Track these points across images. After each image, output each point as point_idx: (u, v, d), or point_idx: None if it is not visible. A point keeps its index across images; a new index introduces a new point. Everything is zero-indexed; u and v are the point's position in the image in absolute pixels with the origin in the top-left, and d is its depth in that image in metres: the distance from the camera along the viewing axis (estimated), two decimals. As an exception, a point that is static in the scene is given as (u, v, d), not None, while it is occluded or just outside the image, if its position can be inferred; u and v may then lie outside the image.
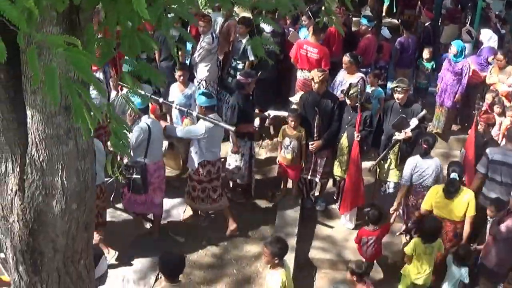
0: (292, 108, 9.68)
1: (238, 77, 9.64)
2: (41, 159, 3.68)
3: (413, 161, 8.57)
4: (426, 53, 12.36)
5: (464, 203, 7.90)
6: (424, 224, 7.91)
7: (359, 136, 8.84)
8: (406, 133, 8.94)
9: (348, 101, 9.07)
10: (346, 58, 10.13)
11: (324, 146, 9.34)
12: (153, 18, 3.29)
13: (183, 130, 8.87)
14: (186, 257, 8.75)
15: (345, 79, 10.13)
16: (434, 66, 12.44)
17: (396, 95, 9.14)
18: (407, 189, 8.67)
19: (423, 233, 7.76)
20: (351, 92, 8.96)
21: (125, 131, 3.67)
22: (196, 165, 8.82)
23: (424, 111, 9.17)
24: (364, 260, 8.03)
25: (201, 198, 9.06)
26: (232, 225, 9.21)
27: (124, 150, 3.66)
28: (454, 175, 7.94)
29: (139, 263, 8.53)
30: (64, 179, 3.76)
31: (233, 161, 9.62)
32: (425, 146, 8.52)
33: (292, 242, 8.67)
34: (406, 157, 8.91)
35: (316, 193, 10.06)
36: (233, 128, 8.56)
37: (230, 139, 9.46)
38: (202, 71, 11.06)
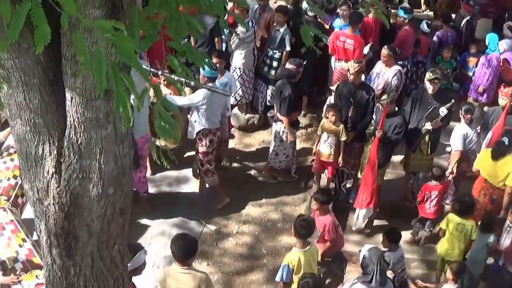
0: (333, 103, 9.56)
1: (290, 66, 9.53)
2: (79, 142, 3.64)
3: (462, 128, 9.02)
4: (445, 52, 11.99)
5: (505, 170, 8.28)
6: (459, 198, 8.34)
7: (381, 132, 8.66)
8: (437, 122, 8.90)
9: (380, 106, 8.95)
10: (385, 51, 9.99)
11: (356, 138, 9.29)
12: (204, 1, 3.22)
13: (183, 98, 9.05)
14: (223, 243, 8.83)
15: (382, 71, 10.05)
16: (454, 66, 12.18)
17: (432, 86, 8.94)
18: (460, 155, 8.97)
19: (458, 206, 8.01)
20: (382, 98, 8.84)
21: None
22: (195, 134, 9.05)
23: (452, 100, 9.11)
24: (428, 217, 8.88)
25: (211, 171, 9.30)
26: (225, 200, 9.58)
27: (170, 133, 3.61)
28: (504, 139, 8.47)
29: (169, 250, 8.50)
30: (102, 163, 3.72)
31: (281, 150, 9.83)
32: (469, 116, 9.00)
33: (324, 234, 8.63)
34: (435, 146, 9.18)
35: (348, 185, 9.94)
36: (229, 93, 8.72)
37: (281, 128, 9.62)
38: (237, 59, 11.00)
